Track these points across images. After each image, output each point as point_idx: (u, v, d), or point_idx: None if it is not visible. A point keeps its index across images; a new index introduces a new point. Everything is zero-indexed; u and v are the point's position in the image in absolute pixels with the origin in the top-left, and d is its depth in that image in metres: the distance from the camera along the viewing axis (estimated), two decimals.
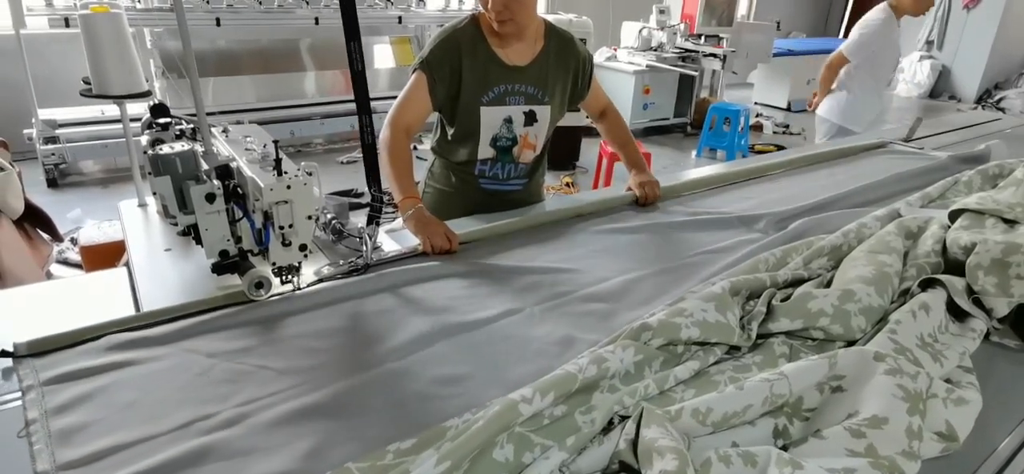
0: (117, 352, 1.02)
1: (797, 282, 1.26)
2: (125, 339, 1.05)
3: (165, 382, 0.96)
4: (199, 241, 1.17)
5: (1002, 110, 7.88)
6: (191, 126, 1.34)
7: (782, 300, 1.16)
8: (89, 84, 1.60)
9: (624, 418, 0.88)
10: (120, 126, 1.72)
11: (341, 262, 1.32)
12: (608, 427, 0.88)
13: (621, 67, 6.35)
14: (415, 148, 3.20)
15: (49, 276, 2.78)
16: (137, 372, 0.98)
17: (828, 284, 1.25)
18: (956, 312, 1.18)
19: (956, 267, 1.28)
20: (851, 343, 1.08)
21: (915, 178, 2.03)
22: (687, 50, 6.38)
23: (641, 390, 0.91)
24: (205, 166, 1.16)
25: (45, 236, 2.95)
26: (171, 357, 1.02)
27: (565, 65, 1.69)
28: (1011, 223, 1.38)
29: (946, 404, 0.90)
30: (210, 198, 1.09)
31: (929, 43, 9.38)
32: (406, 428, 0.88)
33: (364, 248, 1.33)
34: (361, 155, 1.30)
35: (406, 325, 1.15)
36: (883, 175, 2.03)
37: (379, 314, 1.19)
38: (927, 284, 1.22)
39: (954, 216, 1.45)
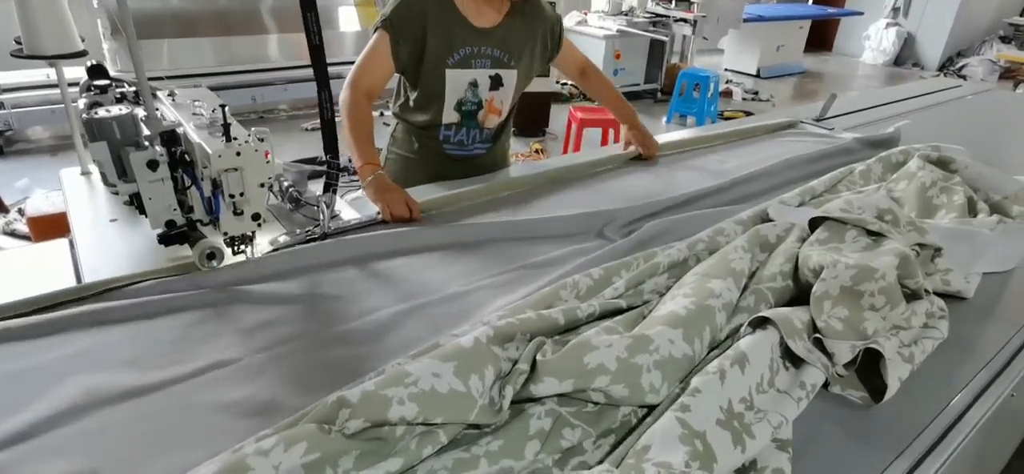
0: None
1: (612, 314, 0.95)
2: None
3: None
4: (143, 211, 1.11)
5: (963, 77, 8.06)
6: (133, 89, 1.27)
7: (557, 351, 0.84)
8: (21, 44, 1.50)
9: None
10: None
11: (298, 231, 1.28)
12: None
13: (591, 31, 6.28)
14: (381, 114, 3.12)
15: None
16: None
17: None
18: (795, 355, 0.89)
19: (807, 294, 0.99)
20: (643, 408, 0.82)
21: (808, 165, 1.68)
22: (658, 15, 6.34)
23: None
24: (146, 131, 1.09)
25: None
26: None
27: (532, 27, 1.64)
28: (875, 236, 1.09)
29: None
30: (152, 165, 1.03)
31: (895, 10, 9.50)
32: None
33: (321, 217, 1.29)
34: None
35: (48, 394, 0.81)
36: (775, 161, 1.68)
37: (17, 375, 0.85)
38: (760, 323, 0.91)
39: (815, 224, 1.15)
